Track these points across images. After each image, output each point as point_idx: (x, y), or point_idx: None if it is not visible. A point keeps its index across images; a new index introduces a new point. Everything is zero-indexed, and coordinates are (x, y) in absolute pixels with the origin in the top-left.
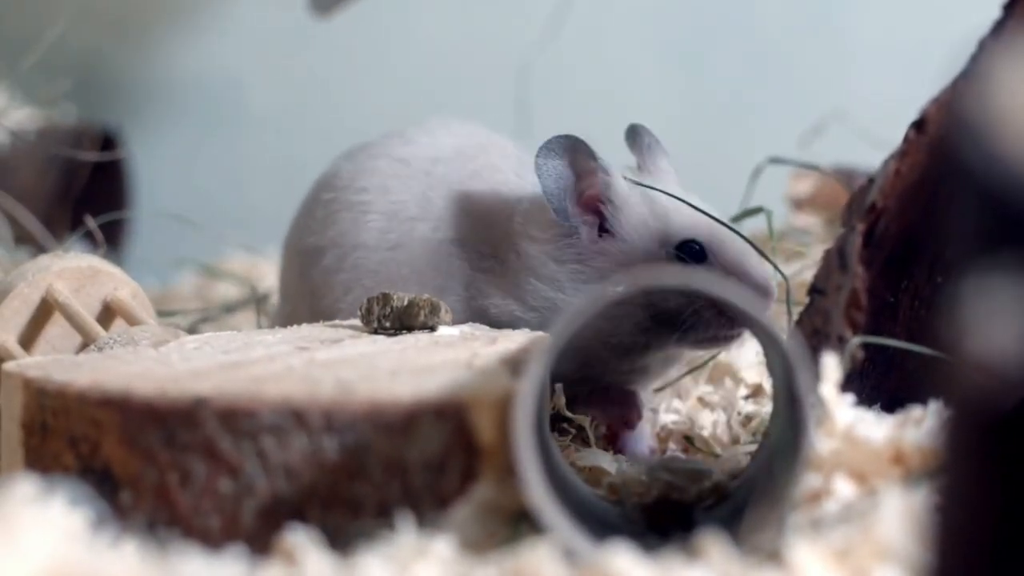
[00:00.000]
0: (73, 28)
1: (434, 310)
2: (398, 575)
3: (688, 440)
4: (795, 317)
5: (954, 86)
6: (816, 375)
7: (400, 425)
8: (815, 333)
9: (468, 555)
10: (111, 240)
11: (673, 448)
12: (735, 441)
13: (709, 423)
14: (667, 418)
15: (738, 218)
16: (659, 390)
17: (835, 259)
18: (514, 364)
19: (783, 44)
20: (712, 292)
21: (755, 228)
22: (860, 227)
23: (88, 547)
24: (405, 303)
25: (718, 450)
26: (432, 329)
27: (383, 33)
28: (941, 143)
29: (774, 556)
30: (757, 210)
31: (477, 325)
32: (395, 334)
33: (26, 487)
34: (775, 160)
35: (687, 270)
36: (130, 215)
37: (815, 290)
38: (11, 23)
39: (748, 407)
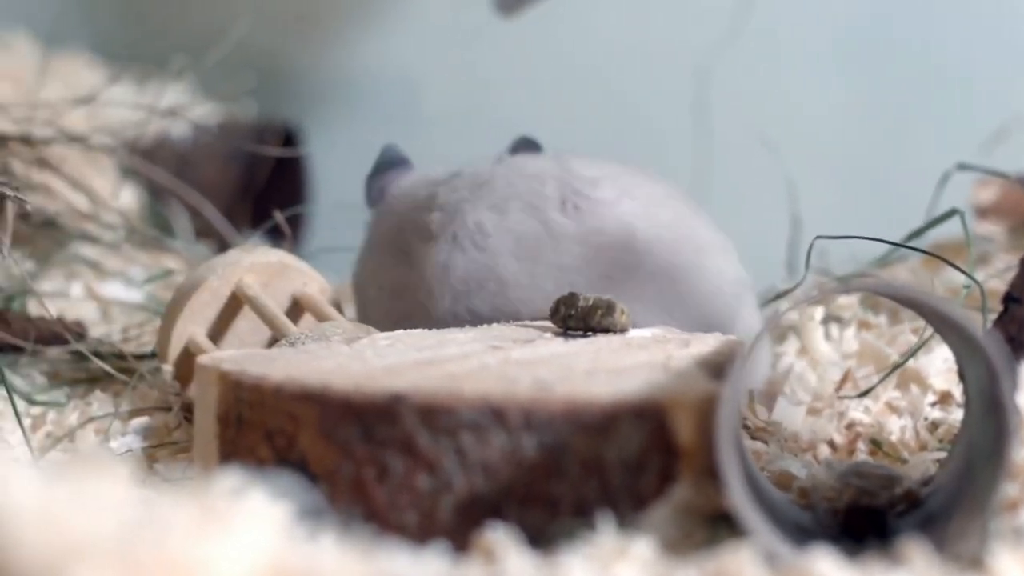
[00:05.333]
0: (257, 27)
1: (609, 310)
2: (599, 575)
3: (875, 444)
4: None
5: None
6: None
7: (599, 425)
8: (1010, 341)
9: (669, 556)
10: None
11: (861, 450)
12: (923, 447)
13: (897, 428)
14: (855, 416)
15: (932, 224)
16: (862, 394)
17: None
18: (711, 367)
19: (961, 50)
20: (913, 298)
21: (941, 235)
22: None
23: (300, 541)
24: (590, 303)
25: (905, 455)
26: (607, 330)
27: (560, 33)
28: None
29: (976, 563)
30: (952, 213)
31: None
32: (584, 335)
33: (230, 479)
34: (963, 167)
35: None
36: (310, 210)
37: (1010, 298)
38: (198, 22)
39: (935, 413)
